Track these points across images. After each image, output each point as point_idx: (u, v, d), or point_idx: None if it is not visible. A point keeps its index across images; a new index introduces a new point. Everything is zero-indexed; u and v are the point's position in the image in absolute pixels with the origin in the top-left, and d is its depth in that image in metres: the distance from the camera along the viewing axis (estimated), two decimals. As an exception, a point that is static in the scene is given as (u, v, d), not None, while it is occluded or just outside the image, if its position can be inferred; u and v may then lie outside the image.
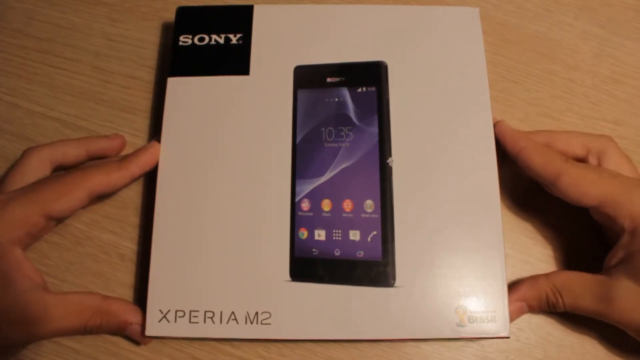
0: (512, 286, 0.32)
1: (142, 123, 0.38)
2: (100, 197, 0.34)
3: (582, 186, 0.31)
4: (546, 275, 0.31)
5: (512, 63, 0.39)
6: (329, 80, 0.35)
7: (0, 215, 0.29)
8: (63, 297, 0.30)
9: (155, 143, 0.34)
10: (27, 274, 0.29)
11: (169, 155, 0.34)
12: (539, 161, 0.32)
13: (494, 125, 0.34)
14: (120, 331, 0.31)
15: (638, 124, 0.38)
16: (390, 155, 0.33)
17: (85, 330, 0.30)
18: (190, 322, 0.31)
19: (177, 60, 0.35)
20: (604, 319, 0.30)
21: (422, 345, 0.33)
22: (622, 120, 0.38)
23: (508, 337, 0.30)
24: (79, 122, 0.38)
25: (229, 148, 0.34)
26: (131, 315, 0.31)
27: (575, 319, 0.33)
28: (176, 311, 0.31)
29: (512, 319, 0.31)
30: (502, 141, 0.33)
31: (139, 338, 0.32)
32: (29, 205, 0.30)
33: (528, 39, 0.40)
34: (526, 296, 0.31)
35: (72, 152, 0.34)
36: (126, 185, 0.34)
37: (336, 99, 0.34)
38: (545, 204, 0.35)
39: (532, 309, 0.32)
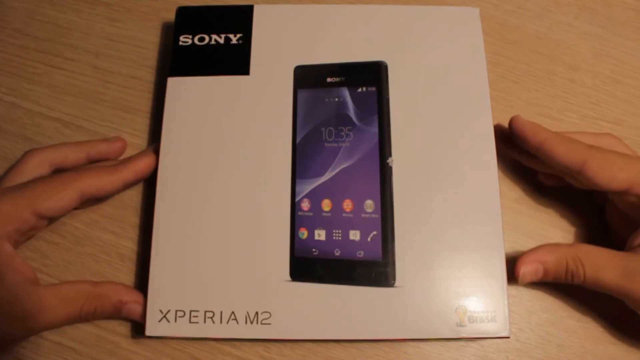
0: (529, 250, 0.31)
1: (142, 123, 0.38)
2: (93, 200, 0.34)
3: (609, 170, 0.30)
4: (568, 244, 0.31)
5: (512, 63, 0.39)
6: (329, 80, 0.35)
7: None
8: (54, 288, 0.30)
9: (151, 152, 0.34)
10: (17, 269, 0.29)
11: (169, 155, 0.34)
12: (563, 150, 0.31)
13: (511, 121, 0.33)
14: (117, 313, 0.31)
15: (638, 124, 0.38)
16: (390, 155, 0.33)
17: (80, 318, 0.30)
18: (190, 322, 0.31)
19: (177, 60, 0.35)
20: (624, 296, 0.29)
21: (422, 345, 0.33)
22: (622, 120, 0.38)
23: (508, 337, 0.30)
24: (79, 122, 0.38)
25: (229, 148, 0.34)
26: (124, 294, 0.31)
27: (575, 319, 0.33)
28: (176, 311, 0.31)
29: (525, 281, 0.30)
30: (521, 135, 0.32)
31: (138, 317, 0.31)
32: (18, 201, 0.30)
33: (528, 39, 0.40)
34: (545, 258, 0.30)
35: (72, 155, 0.34)
36: (119, 190, 0.34)
37: (336, 99, 0.34)
38: (546, 204, 0.36)
39: (547, 275, 0.30)
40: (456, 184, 0.32)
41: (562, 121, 0.38)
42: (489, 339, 0.33)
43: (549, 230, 0.35)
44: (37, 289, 0.29)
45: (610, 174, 0.30)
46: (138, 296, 0.32)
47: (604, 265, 0.29)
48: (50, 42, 0.40)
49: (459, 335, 0.30)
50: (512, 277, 0.31)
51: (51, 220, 0.32)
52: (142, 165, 0.33)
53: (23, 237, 0.31)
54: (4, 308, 0.29)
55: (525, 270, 0.30)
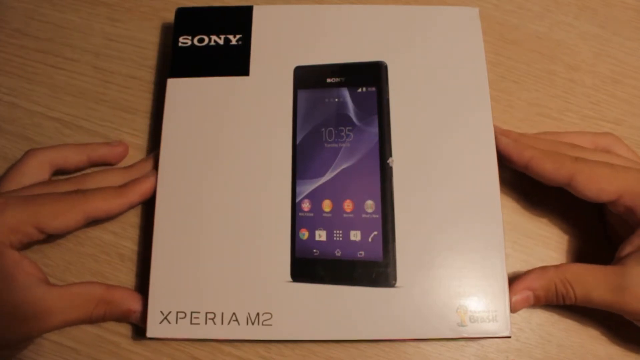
0: (518, 276, 0.31)
1: (142, 123, 0.38)
2: (97, 221, 0.34)
3: (597, 183, 0.30)
4: (556, 266, 0.31)
5: (512, 63, 0.39)
6: (329, 80, 0.35)
7: None
8: (66, 289, 0.30)
9: (153, 171, 0.34)
10: (27, 271, 0.30)
11: (169, 155, 0.34)
12: (550, 167, 0.31)
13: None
14: (125, 318, 0.32)
15: (638, 124, 0.38)
16: (390, 155, 0.33)
17: (90, 320, 0.31)
18: (191, 323, 0.31)
19: (177, 61, 0.35)
20: (618, 311, 0.29)
21: (423, 345, 0.33)
22: (622, 120, 0.38)
23: (509, 337, 0.30)
24: (79, 122, 0.38)
25: (229, 149, 0.34)
26: (134, 303, 0.32)
27: (575, 318, 0.33)
28: (177, 312, 0.31)
29: (516, 309, 0.31)
30: (507, 156, 0.33)
31: (143, 324, 0.32)
32: (23, 215, 0.30)
33: (528, 39, 0.40)
34: (534, 285, 0.31)
35: (73, 157, 0.34)
36: (124, 212, 0.33)
37: (336, 99, 0.34)
38: (546, 204, 0.36)
39: (539, 300, 0.31)
40: (456, 184, 0.32)
41: (562, 121, 0.38)
42: (489, 339, 0.33)
43: (549, 230, 0.35)
44: (49, 290, 0.29)
45: (599, 187, 0.30)
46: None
47: (594, 284, 0.29)
48: (50, 42, 0.40)
49: (460, 335, 0.30)
50: (512, 277, 0.31)
51: (52, 236, 0.32)
52: (148, 186, 0.33)
53: (22, 247, 0.31)
54: (15, 311, 0.29)
55: (516, 299, 0.31)
